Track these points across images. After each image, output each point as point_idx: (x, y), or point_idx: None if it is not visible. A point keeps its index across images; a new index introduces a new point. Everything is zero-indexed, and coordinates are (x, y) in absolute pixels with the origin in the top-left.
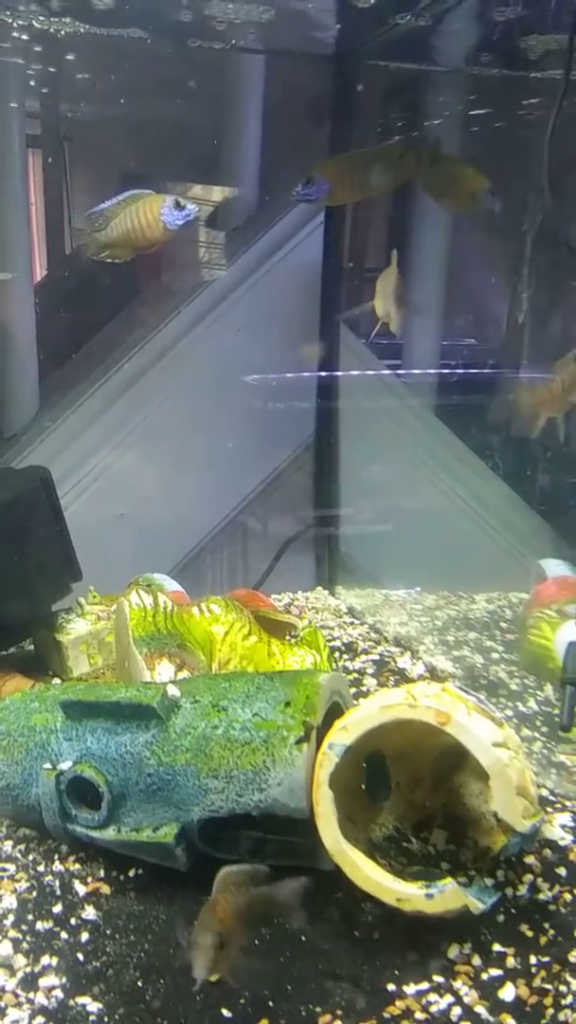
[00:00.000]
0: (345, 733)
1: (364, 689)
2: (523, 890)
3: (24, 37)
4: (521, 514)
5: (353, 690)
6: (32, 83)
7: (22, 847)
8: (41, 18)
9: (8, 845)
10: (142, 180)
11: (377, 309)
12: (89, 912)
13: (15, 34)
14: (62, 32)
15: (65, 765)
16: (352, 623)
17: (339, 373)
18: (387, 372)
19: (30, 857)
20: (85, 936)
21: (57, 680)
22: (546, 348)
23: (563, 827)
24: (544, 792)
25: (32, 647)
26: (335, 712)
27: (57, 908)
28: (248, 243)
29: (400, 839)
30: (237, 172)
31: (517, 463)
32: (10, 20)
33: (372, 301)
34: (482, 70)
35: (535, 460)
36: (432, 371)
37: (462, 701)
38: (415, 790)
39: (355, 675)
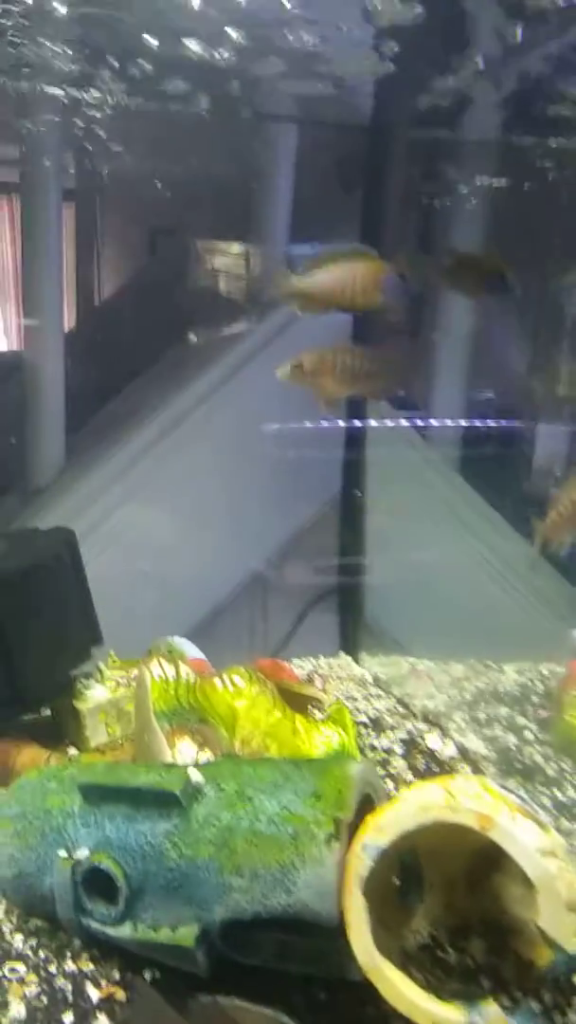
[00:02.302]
0: (380, 834)
1: (393, 771)
2: (573, 1016)
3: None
4: (549, 580)
5: (381, 772)
6: (69, 139)
7: (33, 942)
8: (92, 92)
9: (19, 939)
10: (170, 233)
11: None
12: (102, 1021)
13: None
14: (107, 101)
15: (82, 854)
16: (378, 695)
17: (367, 430)
18: (414, 429)
19: (41, 955)
20: None
21: (74, 750)
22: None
23: None
24: None
25: (49, 713)
26: (367, 805)
27: (68, 1018)
28: (278, 304)
29: (435, 948)
30: (268, 232)
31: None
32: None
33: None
34: (514, 138)
35: None
36: (460, 428)
37: (504, 802)
38: (450, 891)
39: (383, 754)
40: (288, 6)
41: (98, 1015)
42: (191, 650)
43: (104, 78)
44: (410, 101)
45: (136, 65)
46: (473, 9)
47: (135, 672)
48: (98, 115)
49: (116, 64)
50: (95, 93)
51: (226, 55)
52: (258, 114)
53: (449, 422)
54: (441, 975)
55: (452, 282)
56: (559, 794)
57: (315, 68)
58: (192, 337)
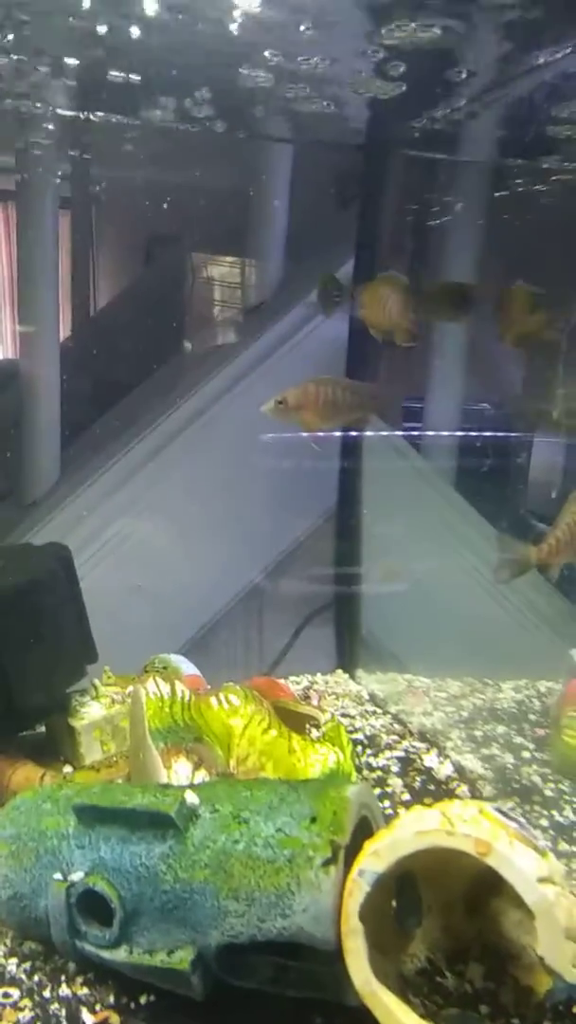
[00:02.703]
0: (377, 859)
1: (389, 791)
2: None
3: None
4: (547, 597)
5: (377, 791)
6: (65, 150)
7: (27, 965)
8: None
9: (12, 963)
10: (166, 243)
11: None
12: None
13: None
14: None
15: (76, 876)
16: (374, 712)
17: (363, 442)
18: (408, 442)
19: (35, 978)
20: None
21: (69, 768)
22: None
23: None
24: None
25: (43, 730)
26: (364, 828)
27: None
28: (276, 317)
29: (434, 973)
30: (265, 247)
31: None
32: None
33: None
34: (511, 160)
35: None
36: (456, 439)
37: (502, 828)
38: (449, 915)
39: (379, 773)
40: (301, 28)
41: None
42: (187, 667)
43: (103, 92)
44: (408, 121)
45: (135, 81)
46: (469, 31)
47: (130, 688)
48: (95, 129)
49: (115, 78)
50: (92, 108)
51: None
52: (255, 131)
53: (446, 433)
54: (439, 1000)
55: (429, 313)
56: (557, 815)
57: (318, 88)
58: (187, 344)
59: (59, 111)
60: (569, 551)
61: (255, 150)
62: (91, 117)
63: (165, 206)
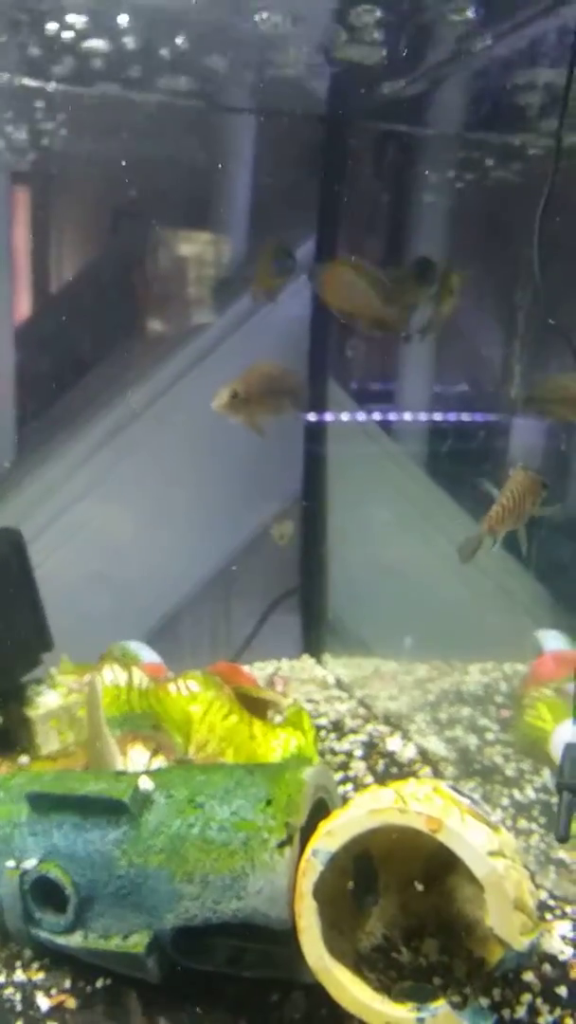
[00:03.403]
0: (331, 839)
1: (352, 774)
2: (521, 1012)
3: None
4: (518, 579)
5: (340, 774)
6: (17, 122)
7: None
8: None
9: None
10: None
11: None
12: None
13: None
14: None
15: (29, 863)
16: (340, 696)
17: (328, 425)
18: (377, 424)
19: None
20: None
21: (25, 758)
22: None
23: (563, 938)
24: (542, 894)
25: None
26: (320, 810)
27: None
28: (239, 295)
29: (389, 949)
30: (229, 222)
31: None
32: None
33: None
34: (476, 134)
35: (533, 523)
36: (424, 422)
37: (455, 804)
38: (405, 892)
39: (342, 757)
40: None
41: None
42: (147, 654)
43: (61, 64)
44: (373, 92)
45: (97, 51)
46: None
47: (88, 677)
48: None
49: (76, 49)
50: (50, 79)
51: (186, 43)
52: (218, 103)
53: (408, 416)
54: (394, 975)
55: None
56: (518, 794)
57: (283, 56)
58: (150, 324)
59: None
60: (512, 518)
61: (219, 123)
62: (48, 87)
63: (128, 180)
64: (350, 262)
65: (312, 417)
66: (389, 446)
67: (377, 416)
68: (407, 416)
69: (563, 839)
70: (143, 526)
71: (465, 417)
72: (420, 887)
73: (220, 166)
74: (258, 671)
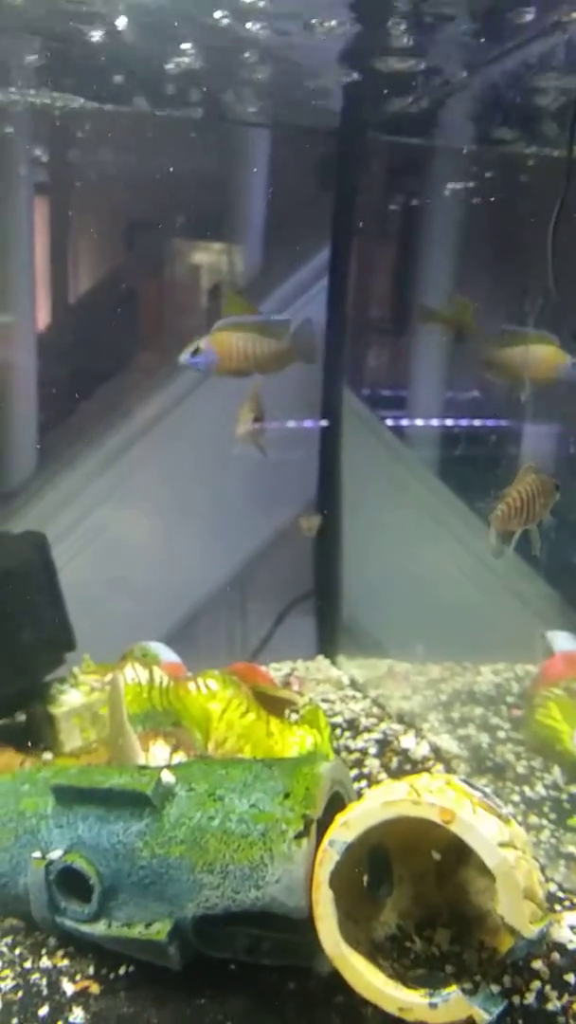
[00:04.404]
0: (346, 830)
1: (366, 771)
2: (531, 998)
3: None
4: (529, 581)
5: (354, 771)
6: (40, 134)
7: (8, 940)
8: (53, 95)
9: None
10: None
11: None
12: (77, 1015)
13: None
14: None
15: (55, 854)
16: (354, 696)
17: (344, 430)
18: (391, 432)
19: (16, 952)
20: None
21: (49, 755)
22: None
23: (572, 928)
24: (552, 887)
25: (23, 718)
26: (336, 803)
27: (43, 1010)
28: (254, 303)
29: (403, 938)
30: (243, 232)
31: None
32: (17, 96)
33: None
34: (487, 148)
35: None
36: (438, 428)
37: (467, 796)
38: (419, 885)
39: (357, 754)
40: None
41: (73, 1008)
42: (166, 654)
43: (80, 80)
44: (384, 107)
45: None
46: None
47: (109, 676)
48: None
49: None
50: (69, 94)
51: (202, 60)
52: (233, 118)
53: (420, 422)
54: (407, 963)
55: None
56: (528, 791)
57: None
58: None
59: (31, 97)
60: (520, 517)
61: (236, 137)
62: (66, 104)
63: (145, 193)
64: (229, 324)
65: (326, 423)
66: (402, 451)
67: (390, 422)
68: (419, 422)
69: None
70: (161, 531)
71: (477, 422)
72: (434, 880)
73: (234, 179)
74: (274, 672)
